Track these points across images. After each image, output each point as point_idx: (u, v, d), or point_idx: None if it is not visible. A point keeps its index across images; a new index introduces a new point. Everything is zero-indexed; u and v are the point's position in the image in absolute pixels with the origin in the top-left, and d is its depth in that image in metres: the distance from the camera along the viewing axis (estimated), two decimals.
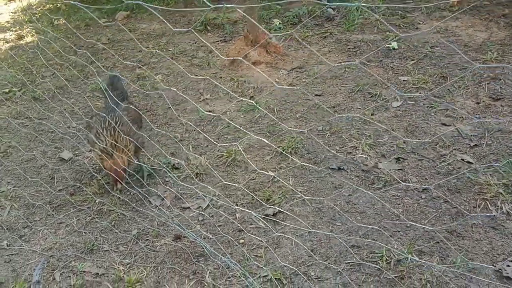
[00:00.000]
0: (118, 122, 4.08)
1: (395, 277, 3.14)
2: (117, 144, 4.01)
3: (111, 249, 3.71)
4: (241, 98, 5.52)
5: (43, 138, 5.40)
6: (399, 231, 3.55)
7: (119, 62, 7.28)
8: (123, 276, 3.41)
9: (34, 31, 9.33)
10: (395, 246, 3.39)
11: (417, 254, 3.30)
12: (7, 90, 6.72)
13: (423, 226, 3.51)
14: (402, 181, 4.06)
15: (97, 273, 3.49)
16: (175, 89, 5.15)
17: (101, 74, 6.97)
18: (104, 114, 4.10)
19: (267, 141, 3.73)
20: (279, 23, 7.87)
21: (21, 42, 9.01)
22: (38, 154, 5.07)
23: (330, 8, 8.25)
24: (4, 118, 5.97)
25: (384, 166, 4.26)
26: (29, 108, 6.17)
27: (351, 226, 3.62)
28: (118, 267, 3.51)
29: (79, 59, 7.59)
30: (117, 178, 4.08)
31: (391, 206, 3.79)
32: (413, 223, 3.51)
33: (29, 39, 9.09)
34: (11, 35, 9.39)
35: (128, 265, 3.54)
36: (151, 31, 8.69)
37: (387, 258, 3.27)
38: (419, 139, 4.60)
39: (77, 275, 3.50)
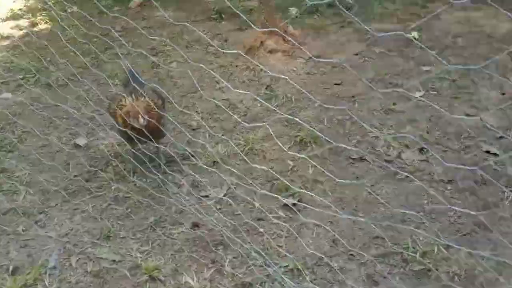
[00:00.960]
0: (144, 94, 4.06)
1: (421, 269, 3.05)
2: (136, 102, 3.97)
3: (128, 236, 3.64)
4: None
5: (57, 124, 5.34)
6: (424, 223, 3.44)
7: (133, 50, 7.18)
8: (140, 263, 3.34)
9: (47, 18, 9.26)
10: (421, 238, 3.28)
11: (443, 246, 3.19)
12: (21, 77, 6.66)
13: (449, 217, 3.41)
14: (426, 172, 3.95)
15: (114, 260, 3.42)
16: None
17: (115, 61, 6.89)
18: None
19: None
20: (296, 12, 7.73)
21: (35, 29, 8.95)
22: (53, 139, 5.01)
23: None
24: (19, 104, 5.92)
25: (408, 157, 4.14)
26: (43, 94, 6.10)
27: (374, 216, 3.52)
28: (135, 254, 3.44)
29: (93, 45, 7.51)
30: (136, 112, 3.87)
31: (416, 197, 3.68)
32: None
33: (42, 26, 9.02)
34: (24, 22, 9.33)
35: (145, 253, 3.47)
36: (165, 19, 8.58)
37: (413, 250, 3.17)
38: (442, 130, 4.47)
39: (93, 261, 3.43)
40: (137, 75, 4.51)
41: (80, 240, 3.65)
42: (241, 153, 4.52)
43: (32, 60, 7.05)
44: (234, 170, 4.19)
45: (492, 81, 5.19)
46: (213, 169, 4.25)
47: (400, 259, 3.12)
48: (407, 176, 3.89)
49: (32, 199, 4.14)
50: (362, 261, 3.17)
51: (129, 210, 3.89)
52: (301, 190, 3.86)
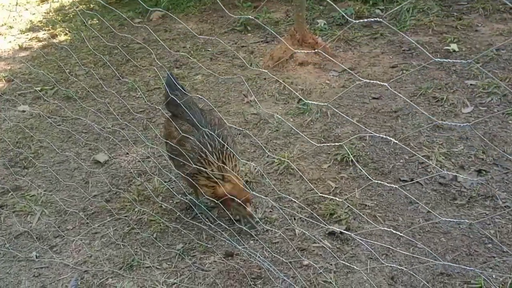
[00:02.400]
0: (222, 140, 3.31)
1: None
2: (225, 166, 3.28)
3: (153, 266, 3.23)
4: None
5: (76, 139, 4.99)
6: (494, 257, 2.98)
7: (155, 62, 6.87)
8: None
9: (67, 30, 9.03)
10: (493, 276, 2.82)
11: None
12: (39, 89, 6.36)
13: None
14: (488, 197, 3.49)
15: None
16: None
17: (136, 73, 6.58)
18: (196, 135, 3.32)
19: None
20: (324, 24, 7.37)
21: (54, 40, 8.71)
22: (71, 155, 4.65)
23: (378, 8, 7.75)
24: (36, 117, 5.60)
25: (465, 179, 3.69)
26: (62, 107, 5.79)
27: (435, 249, 3.06)
28: None
29: (114, 58, 7.23)
30: (246, 200, 3.24)
31: (480, 226, 3.23)
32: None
33: (62, 38, 8.79)
34: (44, 34, 9.11)
35: (173, 286, 3.05)
36: (188, 31, 8.29)
37: None
38: (499, 150, 4.02)
39: None
40: (176, 83, 3.79)
41: (100, 270, 3.25)
42: (275, 172, 4.14)
43: (51, 72, 6.76)
44: (269, 191, 3.80)
45: None
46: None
47: None
48: (467, 202, 3.46)
49: (47, 222, 3.77)
50: None
51: (154, 235, 3.49)
52: (347, 217, 3.44)
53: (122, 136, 4.92)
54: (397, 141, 2.40)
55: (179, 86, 3.69)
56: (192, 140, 3.30)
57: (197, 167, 3.22)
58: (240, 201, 3.20)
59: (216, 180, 3.26)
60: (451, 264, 2.67)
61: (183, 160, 3.31)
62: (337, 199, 3.41)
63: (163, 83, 3.87)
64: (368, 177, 3.83)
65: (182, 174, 3.41)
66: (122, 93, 6.08)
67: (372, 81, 2.13)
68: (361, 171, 3.93)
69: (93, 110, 5.53)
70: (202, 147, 3.25)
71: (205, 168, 3.24)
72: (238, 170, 3.40)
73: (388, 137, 2.47)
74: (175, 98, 3.52)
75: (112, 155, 4.63)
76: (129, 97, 5.94)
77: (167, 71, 3.90)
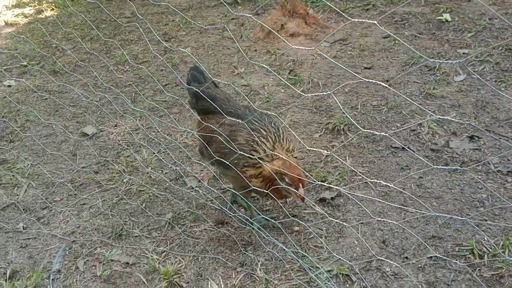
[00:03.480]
0: (274, 124, 2.94)
1: (492, 275, 2.57)
2: (281, 149, 2.81)
3: (142, 235, 3.19)
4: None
5: (64, 112, 4.90)
6: (486, 220, 2.95)
7: (144, 35, 6.73)
8: (158, 267, 2.88)
9: (53, 5, 8.82)
10: (485, 238, 2.80)
11: None
12: (25, 63, 6.23)
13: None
14: (480, 162, 3.46)
15: (127, 263, 2.97)
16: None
17: (125, 47, 6.45)
18: (244, 126, 2.88)
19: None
20: None
21: (40, 16, 8.52)
22: (59, 128, 4.56)
23: None
24: (22, 91, 5.48)
25: (457, 145, 3.66)
26: (49, 81, 5.67)
27: (427, 213, 3.04)
28: (152, 256, 2.99)
29: (101, 32, 7.08)
30: (298, 178, 2.66)
31: (472, 191, 3.20)
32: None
33: (48, 13, 8.59)
34: (30, 9, 8.91)
35: (163, 254, 3.01)
36: (177, 4, 8.12)
37: (479, 253, 2.69)
38: (492, 116, 3.98)
39: (104, 264, 2.98)
40: (204, 76, 3.29)
41: (89, 239, 3.20)
42: None
43: (38, 47, 6.60)
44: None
45: None
46: None
47: (465, 263, 2.64)
48: (460, 167, 3.43)
49: (34, 193, 3.71)
50: (419, 265, 2.69)
51: (143, 205, 3.44)
52: (338, 184, 3.40)
53: (111, 109, 4.83)
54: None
55: (207, 80, 3.21)
56: (244, 132, 2.84)
57: (251, 156, 2.75)
58: (290, 180, 2.66)
59: (263, 162, 2.76)
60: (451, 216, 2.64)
61: (236, 158, 2.80)
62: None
63: (187, 76, 3.29)
64: (359, 145, 3.79)
65: (233, 175, 2.85)
66: (111, 66, 5.96)
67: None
68: (352, 139, 3.89)
69: (80, 84, 5.42)
70: (256, 134, 2.79)
71: (257, 152, 2.77)
72: (293, 152, 2.89)
73: None
74: (210, 91, 3.10)
75: (100, 127, 4.55)
76: (118, 71, 5.83)
77: (193, 65, 3.37)
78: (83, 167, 3.97)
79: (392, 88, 4.59)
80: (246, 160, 2.77)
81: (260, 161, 2.74)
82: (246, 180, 2.76)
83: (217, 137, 2.90)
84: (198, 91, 3.00)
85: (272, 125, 2.89)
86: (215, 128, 2.91)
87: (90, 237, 3.21)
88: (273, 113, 2.60)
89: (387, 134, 1.97)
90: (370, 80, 1.75)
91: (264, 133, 2.82)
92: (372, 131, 1.95)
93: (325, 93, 2.02)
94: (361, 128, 2.31)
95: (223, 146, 2.84)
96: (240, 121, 2.88)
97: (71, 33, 7.19)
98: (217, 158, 2.84)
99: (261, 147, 2.77)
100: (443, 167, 3.34)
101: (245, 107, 3.07)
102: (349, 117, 4.03)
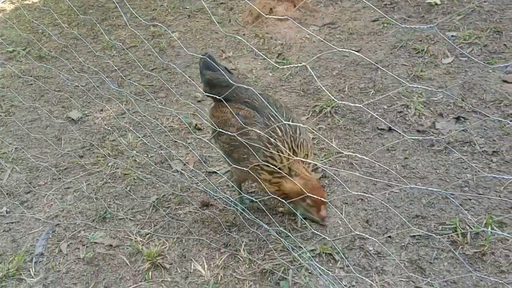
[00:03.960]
0: (294, 128, 2.71)
1: (474, 253, 2.57)
2: (295, 156, 2.64)
3: (126, 218, 3.17)
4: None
5: (49, 97, 4.84)
6: (470, 199, 2.95)
7: (132, 20, 6.66)
8: (141, 249, 2.86)
9: None
10: (469, 217, 2.80)
11: (497, 226, 2.71)
12: (10, 49, 6.15)
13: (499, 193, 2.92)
14: (466, 142, 3.46)
15: (111, 245, 2.96)
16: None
17: (112, 32, 6.37)
18: (260, 119, 2.72)
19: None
20: None
21: (27, 2, 8.40)
22: (44, 113, 4.51)
23: None
24: (7, 77, 5.41)
25: (443, 126, 3.65)
26: (35, 67, 5.61)
27: (411, 193, 3.04)
28: (136, 238, 2.97)
29: (89, 17, 7.00)
30: (321, 200, 2.65)
31: (457, 171, 3.20)
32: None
33: None
34: None
35: (147, 236, 3.00)
36: None
37: (462, 231, 2.69)
38: (479, 98, 3.97)
39: (87, 246, 2.97)
40: (216, 64, 3.11)
41: (72, 223, 3.18)
42: None
43: (24, 32, 6.52)
44: None
45: None
46: None
47: (448, 242, 2.64)
48: (445, 148, 3.43)
49: (18, 178, 3.67)
50: (402, 244, 2.69)
51: (128, 188, 3.42)
52: (324, 165, 3.39)
53: (97, 94, 4.79)
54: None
55: (220, 67, 3.01)
56: (258, 127, 2.66)
57: (264, 159, 2.61)
58: (312, 202, 2.65)
59: (283, 174, 2.63)
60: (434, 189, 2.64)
61: (245, 152, 2.67)
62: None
63: (199, 64, 3.18)
64: (345, 127, 3.78)
65: (240, 168, 2.73)
66: (97, 52, 5.90)
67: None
68: (339, 121, 3.87)
69: (66, 70, 5.36)
70: (270, 132, 2.63)
71: (274, 159, 2.61)
72: (310, 161, 2.73)
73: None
74: (225, 77, 2.87)
75: (86, 112, 4.51)
76: (104, 56, 5.76)
77: (204, 53, 3.21)
78: (68, 151, 3.93)
79: (380, 71, 4.58)
80: (257, 160, 2.60)
81: (283, 174, 2.60)
82: (262, 184, 2.67)
83: (228, 128, 2.75)
84: (212, 78, 2.98)
85: (290, 123, 2.68)
86: (229, 117, 2.79)
87: (74, 220, 3.19)
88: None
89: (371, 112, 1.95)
90: (344, 50, 1.73)
91: (280, 133, 2.63)
92: (353, 105, 1.94)
93: (299, 65, 1.99)
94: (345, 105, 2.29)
95: (233, 138, 2.66)
96: (255, 113, 2.73)
97: (59, 18, 7.10)
98: (227, 150, 2.77)
99: (278, 154, 2.58)
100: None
101: (263, 96, 2.78)
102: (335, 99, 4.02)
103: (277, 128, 2.64)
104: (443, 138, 3.50)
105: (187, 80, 4.93)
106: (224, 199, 3.18)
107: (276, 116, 2.69)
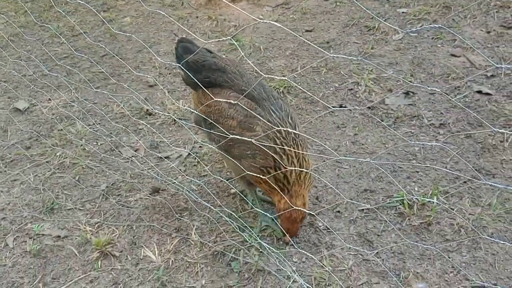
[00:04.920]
0: (292, 120, 2.49)
1: (420, 223, 2.62)
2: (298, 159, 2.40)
3: (75, 208, 3.09)
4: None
5: None
6: (417, 172, 3.01)
7: (81, 5, 6.44)
8: (90, 238, 2.80)
9: None
10: (416, 189, 2.86)
11: (443, 196, 2.77)
12: None
13: (442, 169, 2.99)
14: (414, 116, 3.51)
15: (59, 236, 2.88)
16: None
17: (61, 19, 6.15)
18: (262, 112, 2.45)
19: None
20: None
21: None
22: None
23: None
24: None
25: (392, 102, 3.70)
26: None
27: (360, 168, 3.07)
28: (85, 228, 2.90)
29: (36, 5, 6.74)
30: (294, 229, 2.52)
31: (405, 144, 3.25)
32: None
33: None
34: None
35: (96, 225, 2.93)
36: None
37: (409, 203, 2.74)
38: (428, 72, 4.03)
39: (34, 239, 2.88)
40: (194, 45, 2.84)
41: (19, 215, 3.08)
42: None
43: None
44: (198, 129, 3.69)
45: (475, 20, 4.75)
46: (175, 127, 3.74)
47: (395, 214, 2.69)
48: (394, 122, 3.47)
49: None
50: (351, 218, 2.72)
51: (77, 177, 3.33)
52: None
53: (44, 83, 4.62)
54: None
55: (202, 49, 2.72)
56: (262, 122, 2.39)
57: (272, 162, 2.37)
58: (284, 228, 2.50)
59: (289, 189, 2.40)
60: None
61: (250, 150, 2.41)
62: None
63: (175, 49, 2.93)
64: (297, 106, 3.78)
65: (239, 166, 2.46)
66: (45, 40, 5.69)
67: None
68: (291, 101, 3.87)
69: (13, 59, 5.15)
70: (276, 132, 2.37)
71: (281, 164, 2.35)
72: (307, 161, 2.47)
73: None
74: (216, 60, 2.64)
75: (33, 102, 4.35)
76: (53, 43, 5.57)
77: (181, 38, 2.96)
78: (14, 143, 3.79)
79: (332, 50, 4.59)
80: (264, 160, 2.37)
81: (283, 187, 2.39)
82: (251, 180, 2.49)
83: (225, 119, 2.49)
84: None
85: (290, 120, 2.46)
86: (225, 107, 2.50)
87: (20, 213, 3.09)
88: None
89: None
90: (264, 21, 1.70)
91: (284, 133, 2.38)
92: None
93: (228, 37, 1.95)
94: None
95: (234, 133, 2.38)
96: (255, 105, 2.46)
97: (5, 6, 6.80)
98: (223, 145, 2.50)
99: (286, 159, 2.34)
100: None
101: (260, 84, 2.58)
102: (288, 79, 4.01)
103: (279, 126, 2.39)
104: (391, 113, 3.55)
105: (138, 65, 4.82)
106: (175, 184, 3.14)
107: (277, 107, 2.47)
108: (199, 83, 2.49)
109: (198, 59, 2.70)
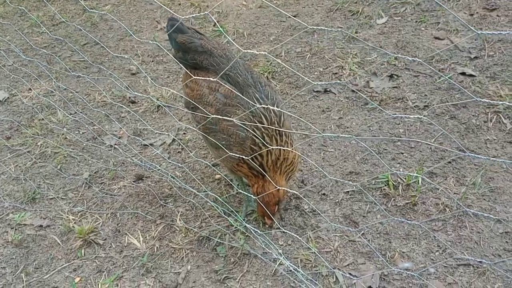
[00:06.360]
0: (277, 115, 2.38)
1: (406, 204, 2.62)
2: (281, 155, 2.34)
3: (57, 197, 3.04)
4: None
5: None
6: (402, 153, 3.01)
7: None
8: (73, 227, 2.76)
9: None
10: (401, 170, 2.85)
11: (428, 176, 2.77)
12: None
13: (431, 144, 2.99)
14: (399, 99, 3.50)
15: (41, 225, 2.83)
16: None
17: (41, 8, 6.03)
18: (244, 100, 2.34)
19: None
20: None
21: None
22: None
23: None
24: None
25: (377, 85, 3.68)
26: None
27: (345, 151, 3.05)
28: (67, 217, 2.86)
29: None
30: (269, 212, 2.46)
31: (390, 126, 3.24)
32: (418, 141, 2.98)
33: None
34: None
35: (79, 214, 2.89)
36: None
37: (394, 184, 2.74)
38: (411, 55, 4.02)
39: (15, 229, 2.83)
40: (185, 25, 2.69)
41: (0, 206, 3.02)
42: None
43: None
44: (183, 114, 3.65)
45: (459, 2, 4.75)
46: (158, 115, 3.69)
47: (380, 195, 2.68)
48: (378, 105, 3.46)
49: None
50: (337, 200, 2.71)
51: (59, 166, 3.27)
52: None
53: (25, 73, 4.53)
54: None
55: (191, 30, 2.65)
56: (241, 111, 2.31)
57: (249, 152, 2.31)
58: (260, 212, 2.51)
59: (264, 175, 2.33)
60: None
61: (229, 140, 2.35)
62: None
63: (166, 27, 2.77)
64: (282, 91, 3.75)
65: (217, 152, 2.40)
66: (25, 29, 5.57)
67: None
68: (276, 86, 3.83)
69: None
70: (256, 122, 2.30)
71: (260, 156, 2.30)
72: (291, 150, 2.35)
73: None
74: (203, 42, 2.51)
75: (13, 92, 4.26)
76: (33, 33, 5.46)
77: (171, 17, 2.92)
78: None
79: (316, 35, 4.55)
80: (237, 150, 2.31)
81: (264, 176, 2.32)
82: (233, 168, 2.41)
83: (204, 106, 2.40)
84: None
85: (275, 109, 2.35)
86: (205, 92, 2.42)
87: (1, 204, 3.03)
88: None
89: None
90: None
91: (266, 123, 2.30)
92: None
93: (205, 12, 1.90)
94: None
95: (210, 121, 2.34)
96: (239, 93, 2.33)
97: None
98: (204, 130, 2.43)
99: (265, 141, 2.29)
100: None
101: (247, 70, 2.50)
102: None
103: (262, 116, 2.31)
104: (376, 96, 3.54)
105: (121, 53, 4.74)
106: (159, 171, 3.10)
107: (263, 95, 2.38)
108: (177, 62, 2.47)
109: (185, 40, 2.59)
